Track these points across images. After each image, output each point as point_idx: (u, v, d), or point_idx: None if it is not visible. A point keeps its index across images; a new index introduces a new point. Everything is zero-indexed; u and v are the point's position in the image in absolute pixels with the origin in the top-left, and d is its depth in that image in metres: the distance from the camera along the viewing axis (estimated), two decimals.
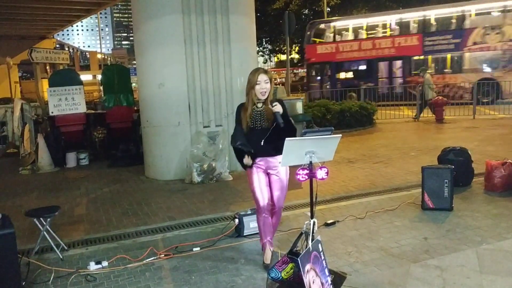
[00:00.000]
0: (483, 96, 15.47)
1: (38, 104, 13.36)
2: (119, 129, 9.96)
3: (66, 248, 4.35)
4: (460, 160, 5.84)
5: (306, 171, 3.09)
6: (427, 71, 15.19)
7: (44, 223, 4.14)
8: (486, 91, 15.75)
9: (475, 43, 18.32)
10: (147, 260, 3.99)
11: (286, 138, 3.02)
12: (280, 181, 3.67)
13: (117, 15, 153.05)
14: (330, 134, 3.25)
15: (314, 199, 3.20)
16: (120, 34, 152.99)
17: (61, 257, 4.13)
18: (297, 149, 3.06)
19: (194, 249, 4.20)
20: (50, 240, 4.18)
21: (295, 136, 3.50)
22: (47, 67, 24.71)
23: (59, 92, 9.44)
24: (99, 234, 4.87)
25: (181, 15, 7.09)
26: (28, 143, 9.90)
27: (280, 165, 3.52)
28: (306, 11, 34.26)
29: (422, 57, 19.63)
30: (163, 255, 4.07)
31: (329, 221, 4.71)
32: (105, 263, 3.93)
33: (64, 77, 9.98)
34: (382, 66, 20.88)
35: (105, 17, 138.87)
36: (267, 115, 3.56)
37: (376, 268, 3.61)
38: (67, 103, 9.50)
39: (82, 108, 9.70)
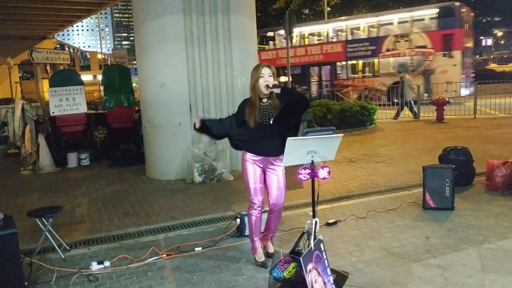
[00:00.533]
0: (397, 98, 15.85)
1: (38, 104, 13.36)
2: (120, 129, 9.96)
3: (68, 248, 4.36)
4: (461, 160, 5.85)
5: (308, 171, 3.09)
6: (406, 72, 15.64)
7: (46, 223, 4.15)
8: (398, 94, 16.08)
9: (388, 50, 20.23)
10: (149, 260, 3.99)
11: (288, 138, 3.01)
12: (278, 180, 3.65)
13: (117, 15, 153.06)
14: (332, 134, 3.26)
15: (316, 199, 3.20)
16: (120, 34, 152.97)
17: (63, 257, 4.13)
18: (298, 149, 3.07)
19: (196, 249, 4.20)
20: (52, 240, 4.18)
21: (308, 103, 3.58)
22: (48, 68, 24.73)
23: (60, 92, 9.44)
24: (101, 234, 4.87)
25: (182, 15, 7.09)
26: (29, 144, 9.91)
27: (281, 164, 3.52)
28: (307, 11, 34.27)
29: (345, 62, 21.51)
30: (165, 255, 4.07)
31: (330, 221, 4.71)
32: (107, 263, 3.94)
33: (65, 77, 9.97)
34: (314, 70, 22.72)
35: (106, 17, 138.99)
36: (274, 109, 3.54)
37: (378, 268, 3.61)
38: (68, 103, 9.50)
39: (83, 108, 9.69)
